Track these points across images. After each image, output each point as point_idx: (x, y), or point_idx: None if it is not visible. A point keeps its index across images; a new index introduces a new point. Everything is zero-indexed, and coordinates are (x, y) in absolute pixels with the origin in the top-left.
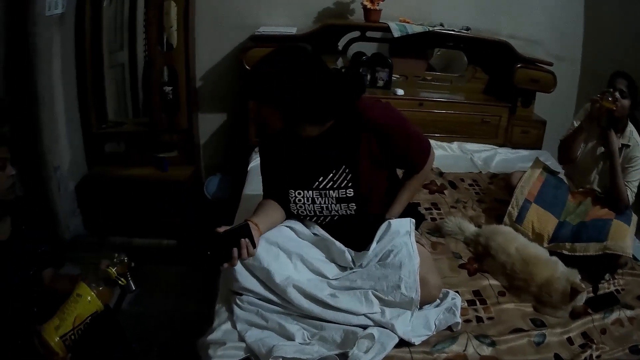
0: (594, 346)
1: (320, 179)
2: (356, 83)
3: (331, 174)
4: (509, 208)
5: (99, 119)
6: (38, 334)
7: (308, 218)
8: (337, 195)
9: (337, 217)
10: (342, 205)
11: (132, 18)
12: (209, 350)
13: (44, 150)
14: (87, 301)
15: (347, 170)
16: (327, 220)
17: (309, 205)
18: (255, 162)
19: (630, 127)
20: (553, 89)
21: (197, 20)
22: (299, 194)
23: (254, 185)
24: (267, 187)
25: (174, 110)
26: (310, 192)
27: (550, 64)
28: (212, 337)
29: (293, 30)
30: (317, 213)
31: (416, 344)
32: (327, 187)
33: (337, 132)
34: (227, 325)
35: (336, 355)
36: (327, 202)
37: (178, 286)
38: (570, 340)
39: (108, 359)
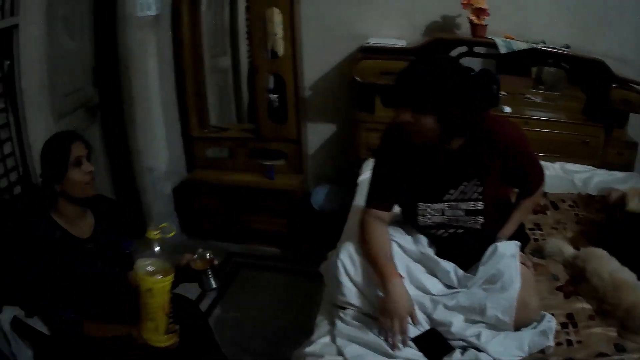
0: None
1: (451, 192)
2: (492, 94)
3: (462, 186)
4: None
5: (200, 123)
6: (145, 345)
7: (434, 230)
8: (466, 207)
9: (462, 230)
10: (470, 217)
11: (234, 24)
12: None
13: (138, 151)
14: (160, 289)
15: (477, 182)
16: (451, 233)
17: (437, 217)
18: (365, 174)
19: None
20: None
21: (303, 29)
22: (428, 206)
23: (364, 198)
24: (383, 197)
25: (281, 118)
26: (440, 204)
27: None
28: (309, 349)
29: (403, 43)
30: (445, 225)
31: None
32: (458, 199)
33: (469, 145)
34: (327, 339)
35: None
36: (456, 215)
37: (277, 295)
38: None
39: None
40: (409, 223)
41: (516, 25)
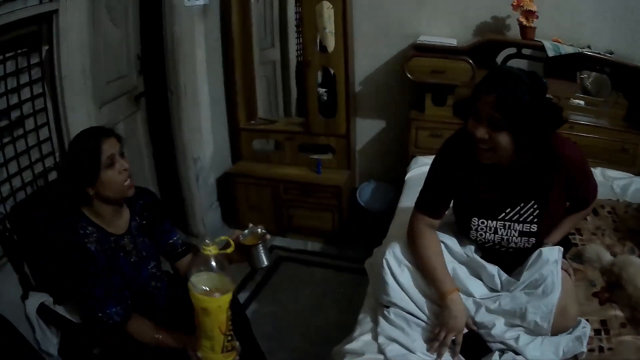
0: None
1: (507, 210)
2: (558, 114)
3: (519, 207)
4: None
5: (248, 114)
6: None
7: (486, 245)
8: (520, 229)
9: (512, 249)
10: (523, 238)
11: (283, 16)
12: (344, 359)
13: (182, 140)
14: (216, 308)
15: (535, 205)
16: (502, 251)
17: (490, 234)
18: (413, 172)
19: None
20: None
21: (355, 25)
22: (483, 222)
23: (411, 196)
24: (435, 205)
25: (330, 113)
26: (495, 222)
27: None
28: (350, 346)
29: (454, 42)
30: (496, 242)
31: None
32: (513, 219)
33: (531, 164)
34: (368, 337)
35: None
36: (509, 235)
37: (318, 290)
38: None
39: None
40: (462, 234)
41: (562, 29)
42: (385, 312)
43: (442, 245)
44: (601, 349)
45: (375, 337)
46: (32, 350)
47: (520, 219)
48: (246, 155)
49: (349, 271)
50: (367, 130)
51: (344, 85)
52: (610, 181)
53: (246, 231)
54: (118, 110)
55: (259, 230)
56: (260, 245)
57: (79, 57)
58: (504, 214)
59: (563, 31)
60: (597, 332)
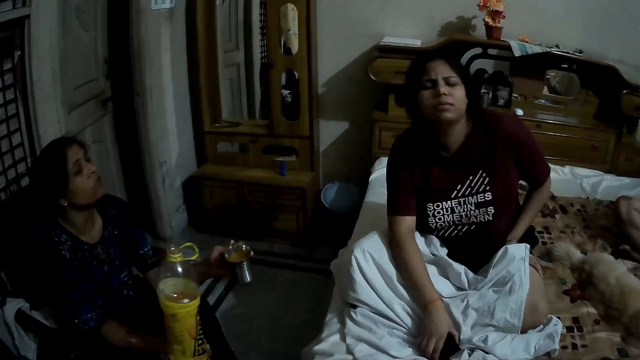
0: None
1: (459, 187)
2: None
3: (468, 181)
4: None
5: (212, 117)
6: None
7: (443, 231)
8: (475, 201)
9: (474, 225)
10: (480, 210)
11: (248, 18)
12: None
13: (149, 143)
14: (184, 314)
15: (484, 174)
16: (463, 231)
17: (448, 215)
18: (377, 172)
19: None
20: None
21: (319, 26)
22: (438, 206)
23: (375, 196)
24: (404, 203)
25: (294, 115)
26: (449, 202)
27: None
28: (319, 347)
29: (418, 43)
30: (456, 222)
31: None
32: (466, 193)
33: (472, 138)
34: (336, 337)
35: None
36: (466, 210)
37: (285, 291)
38: None
39: None
40: (420, 227)
41: (531, 28)
42: (351, 312)
43: None
44: (574, 346)
45: (343, 338)
46: (12, 356)
47: (473, 191)
48: (211, 158)
49: (316, 272)
50: (330, 131)
51: (307, 87)
52: (580, 179)
53: (230, 247)
54: (86, 114)
55: (244, 247)
56: (244, 262)
57: (49, 62)
58: (456, 192)
59: (531, 30)
60: (569, 329)
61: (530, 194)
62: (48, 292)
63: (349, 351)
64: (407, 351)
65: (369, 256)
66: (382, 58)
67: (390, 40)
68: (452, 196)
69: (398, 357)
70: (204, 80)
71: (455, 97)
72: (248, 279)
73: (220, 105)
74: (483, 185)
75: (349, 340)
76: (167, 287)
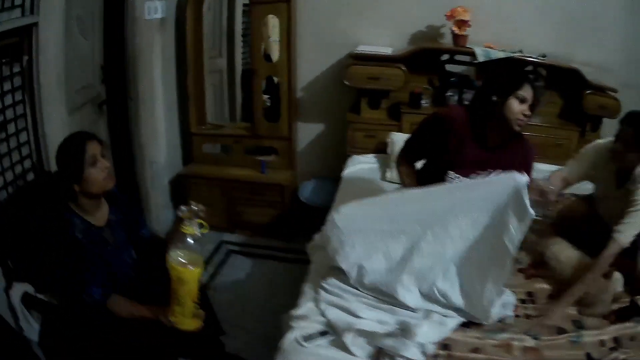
0: (620, 350)
1: (479, 172)
2: None
3: (488, 172)
4: None
5: (198, 120)
6: (173, 327)
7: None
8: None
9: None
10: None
11: (231, 26)
12: (291, 322)
13: (140, 144)
14: (189, 278)
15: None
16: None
17: (458, 182)
18: (349, 169)
19: None
20: (618, 115)
21: (298, 35)
22: (457, 177)
23: (347, 192)
24: (412, 157)
25: (274, 117)
26: (466, 178)
27: (615, 91)
28: (296, 312)
29: (389, 51)
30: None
31: (485, 322)
32: (479, 176)
33: (509, 145)
34: (311, 304)
35: (400, 329)
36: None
37: (266, 280)
38: (602, 342)
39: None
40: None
41: (498, 35)
42: (324, 284)
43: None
44: (528, 316)
45: (317, 305)
46: (17, 334)
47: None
48: (197, 158)
49: (294, 262)
50: (308, 132)
51: (287, 91)
52: (542, 174)
53: (180, 212)
54: (84, 117)
55: (193, 206)
56: (195, 219)
57: (55, 68)
58: (474, 174)
59: (497, 37)
60: (523, 301)
61: None
62: (59, 270)
63: (322, 314)
64: (372, 314)
65: (344, 214)
66: (356, 65)
67: (363, 48)
68: (470, 176)
69: (364, 318)
70: (191, 86)
71: (529, 119)
72: (199, 234)
73: (205, 109)
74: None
75: (322, 305)
76: (177, 254)
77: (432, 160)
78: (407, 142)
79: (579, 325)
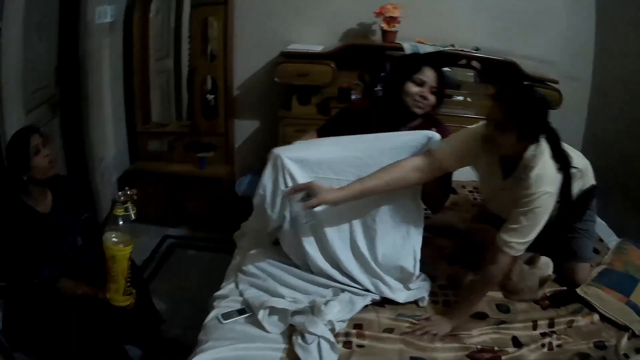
0: (555, 335)
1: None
2: None
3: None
4: None
5: (143, 119)
6: (108, 303)
7: None
8: None
9: None
10: None
11: (178, 28)
12: (214, 302)
13: (90, 143)
14: (121, 257)
15: None
16: None
17: None
18: None
19: None
20: (559, 107)
21: (236, 35)
22: None
23: None
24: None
25: (215, 115)
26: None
27: (556, 82)
28: (218, 293)
29: (319, 48)
30: None
31: (400, 300)
32: None
33: (417, 127)
34: (232, 286)
35: (310, 307)
36: None
37: (204, 270)
38: (534, 327)
39: (139, 322)
40: None
41: (431, 30)
42: (243, 267)
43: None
44: (447, 302)
45: (237, 286)
46: None
47: None
48: (143, 155)
49: (229, 252)
50: (244, 129)
51: (223, 89)
52: None
53: (120, 198)
54: (39, 117)
55: (128, 191)
56: (129, 202)
57: (15, 69)
58: None
59: (429, 32)
60: (442, 287)
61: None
62: (11, 258)
63: (241, 294)
64: (285, 290)
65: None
66: (286, 63)
67: (294, 47)
68: None
69: (278, 297)
70: (137, 87)
71: (429, 101)
72: (132, 217)
73: (151, 108)
74: None
75: (241, 286)
76: (111, 234)
77: None
78: (323, 127)
79: (504, 310)
